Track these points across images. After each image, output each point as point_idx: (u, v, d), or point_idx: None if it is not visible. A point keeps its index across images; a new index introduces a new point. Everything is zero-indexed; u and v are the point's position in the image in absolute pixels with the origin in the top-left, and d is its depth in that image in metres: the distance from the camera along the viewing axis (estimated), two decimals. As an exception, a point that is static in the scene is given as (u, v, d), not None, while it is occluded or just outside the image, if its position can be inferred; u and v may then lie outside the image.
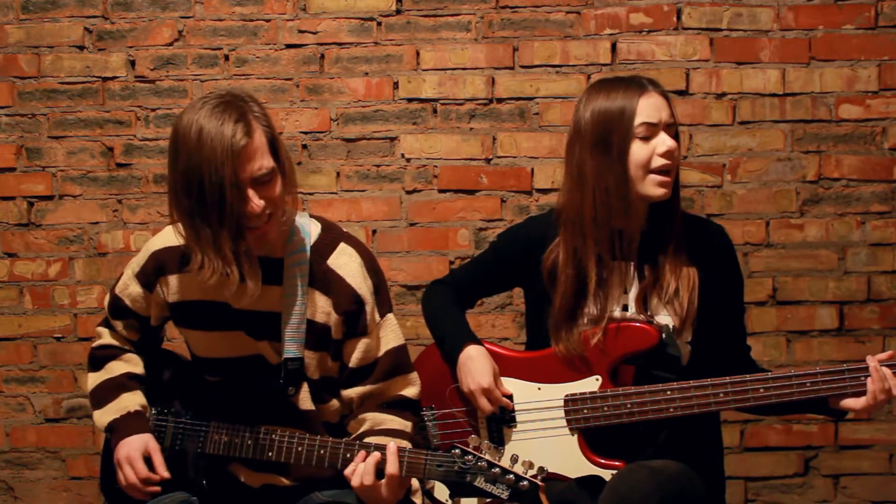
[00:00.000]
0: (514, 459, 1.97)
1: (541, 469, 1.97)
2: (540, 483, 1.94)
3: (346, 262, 2.17)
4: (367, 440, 2.12)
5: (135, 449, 2.14)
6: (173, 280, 2.20)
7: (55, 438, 3.35)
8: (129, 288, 2.25)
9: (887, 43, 3.22)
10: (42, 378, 3.34)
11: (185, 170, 1.96)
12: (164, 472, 2.13)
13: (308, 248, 2.16)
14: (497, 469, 1.95)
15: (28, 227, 3.32)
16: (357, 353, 2.17)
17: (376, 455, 2.01)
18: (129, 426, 2.17)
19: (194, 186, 1.94)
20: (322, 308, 2.15)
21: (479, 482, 1.95)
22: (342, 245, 2.19)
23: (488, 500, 2.02)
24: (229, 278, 2.00)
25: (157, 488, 2.13)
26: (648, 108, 2.22)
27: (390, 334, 2.22)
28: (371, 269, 2.20)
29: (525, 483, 1.93)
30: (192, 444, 2.19)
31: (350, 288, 2.15)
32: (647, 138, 2.22)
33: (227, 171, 1.93)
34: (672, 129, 2.23)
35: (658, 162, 2.21)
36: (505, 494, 1.94)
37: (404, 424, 2.18)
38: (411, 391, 2.23)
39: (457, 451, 1.98)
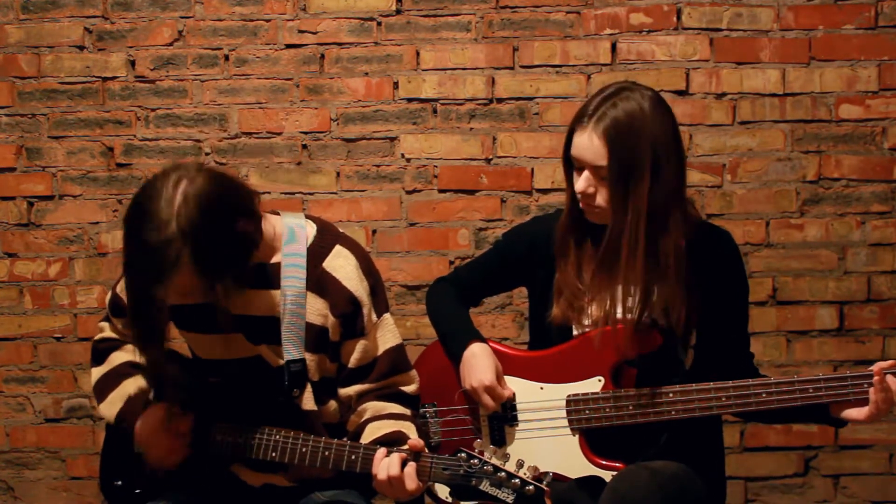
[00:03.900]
0: (520, 464, 1.97)
1: (545, 474, 1.96)
2: (545, 488, 1.94)
3: (341, 265, 2.17)
4: (371, 425, 2.14)
5: (153, 421, 2.15)
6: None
7: (55, 438, 3.34)
8: None
9: (887, 43, 3.22)
10: (42, 378, 3.33)
11: (124, 266, 1.99)
12: (188, 425, 2.17)
13: (304, 250, 2.17)
14: (503, 473, 1.94)
15: (28, 227, 3.31)
16: (356, 355, 2.18)
17: (402, 453, 2.01)
18: (136, 408, 2.18)
19: (127, 283, 2.02)
20: (319, 311, 2.16)
21: (485, 486, 1.95)
22: (338, 247, 2.19)
23: (492, 504, 2.02)
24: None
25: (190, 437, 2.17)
26: (576, 145, 2.18)
27: (388, 334, 2.22)
28: (367, 270, 2.20)
29: (531, 488, 1.93)
30: (195, 446, 2.19)
31: (346, 290, 2.16)
32: (579, 169, 2.20)
33: (149, 303, 1.96)
34: (600, 171, 2.13)
35: (580, 196, 2.20)
36: (510, 499, 1.93)
37: (405, 410, 2.19)
38: (410, 388, 2.24)
39: (462, 454, 1.98)
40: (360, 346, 2.17)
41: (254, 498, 2.20)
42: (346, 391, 2.20)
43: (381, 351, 2.20)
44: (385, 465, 2.00)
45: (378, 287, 2.23)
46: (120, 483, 2.27)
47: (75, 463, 3.35)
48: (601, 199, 2.16)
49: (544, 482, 1.94)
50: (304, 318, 2.14)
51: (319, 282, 2.15)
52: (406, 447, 2.02)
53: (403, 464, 1.99)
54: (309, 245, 2.18)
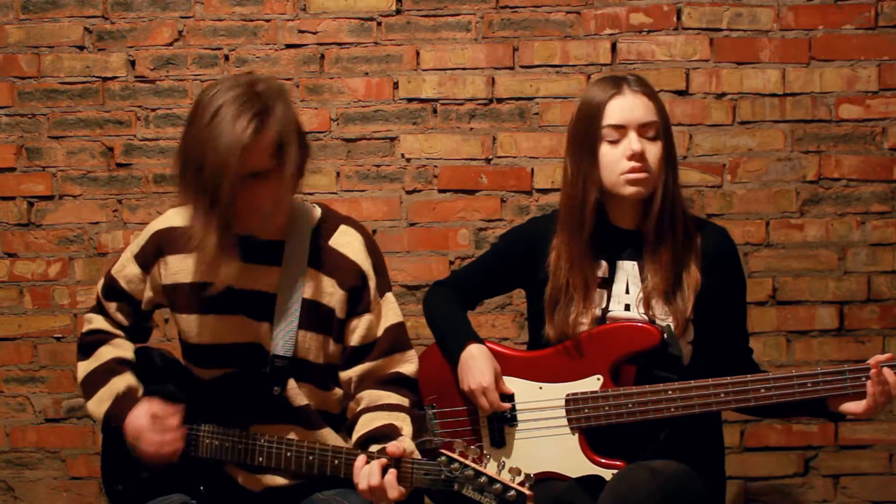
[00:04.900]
0: (501, 466, 1.94)
1: (528, 476, 1.93)
2: (528, 492, 1.91)
3: (348, 241, 2.21)
4: (365, 417, 2.14)
5: (142, 417, 2.13)
6: (172, 261, 2.21)
7: (55, 438, 3.34)
8: (127, 269, 2.26)
9: (887, 43, 3.22)
10: (42, 378, 3.33)
11: (192, 144, 1.98)
12: (178, 419, 2.14)
13: (310, 230, 2.19)
14: (484, 478, 1.92)
15: (28, 227, 3.31)
16: (359, 331, 2.19)
17: (381, 460, 2.00)
18: (125, 406, 2.17)
19: (195, 164, 1.97)
20: (325, 289, 2.17)
21: (467, 491, 1.92)
22: (343, 227, 2.23)
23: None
24: (204, 250, 2.01)
25: (185, 429, 2.14)
26: (617, 110, 2.22)
27: (390, 312, 2.24)
28: (371, 248, 2.24)
29: (513, 493, 1.90)
30: (185, 447, 2.18)
31: (354, 264, 2.18)
32: (615, 141, 2.22)
33: (228, 163, 1.93)
34: (650, 128, 2.22)
35: (625, 165, 2.21)
36: None
37: (401, 399, 2.19)
38: (409, 368, 2.24)
39: (443, 458, 1.96)
40: (365, 321, 2.19)
41: (254, 501, 2.19)
42: (346, 373, 2.21)
43: (382, 328, 2.21)
44: (365, 474, 1.99)
45: (381, 266, 2.25)
46: (121, 488, 2.26)
47: (75, 463, 3.34)
48: (652, 159, 2.22)
49: (526, 486, 1.92)
50: (301, 296, 2.15)
51: (326, 259, 2.18)
52: (386, 451, 2.00)
53: (384, 471, 1.98)
54: (314, 226, 2.21)
